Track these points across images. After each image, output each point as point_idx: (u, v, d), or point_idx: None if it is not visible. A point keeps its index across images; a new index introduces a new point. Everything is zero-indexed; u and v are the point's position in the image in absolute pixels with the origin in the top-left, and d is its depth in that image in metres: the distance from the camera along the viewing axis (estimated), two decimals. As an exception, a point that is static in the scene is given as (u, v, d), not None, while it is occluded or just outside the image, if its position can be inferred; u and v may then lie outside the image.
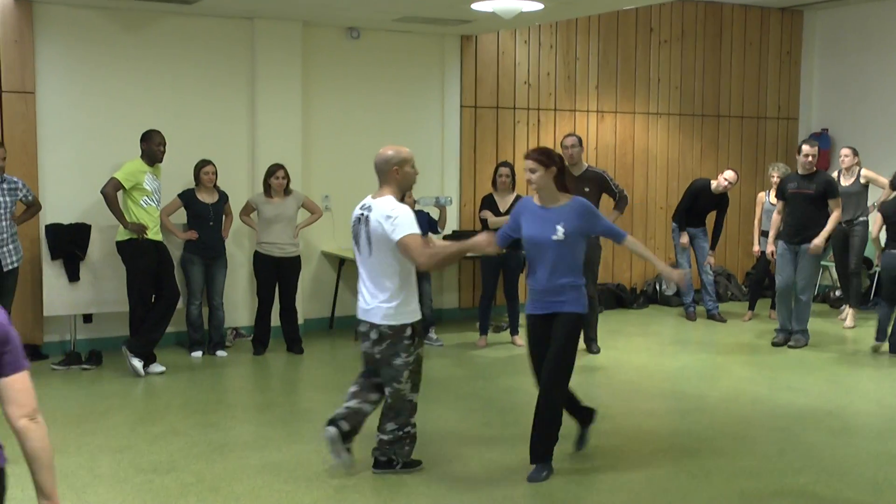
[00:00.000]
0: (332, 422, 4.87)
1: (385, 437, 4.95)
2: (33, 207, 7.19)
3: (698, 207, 9.63)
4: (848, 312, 9.30)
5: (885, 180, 9.14)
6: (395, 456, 4.97)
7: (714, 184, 9.54)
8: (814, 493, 4.79)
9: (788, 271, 8.28)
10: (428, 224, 8.16)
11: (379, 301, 4.74)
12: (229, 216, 8.02)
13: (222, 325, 8.02)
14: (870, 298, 10.61)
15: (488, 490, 4.80)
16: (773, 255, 8.60)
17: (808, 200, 8.11)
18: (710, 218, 9.76)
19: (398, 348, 4.75)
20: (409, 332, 4.76)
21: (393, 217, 4.62)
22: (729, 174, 9.50)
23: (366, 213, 4.76)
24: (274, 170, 7.91)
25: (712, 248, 9.73)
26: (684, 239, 9.65)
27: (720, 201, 9.63)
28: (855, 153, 9.25)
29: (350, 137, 9.01)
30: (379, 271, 4.74)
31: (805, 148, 8.15)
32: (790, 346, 8.28)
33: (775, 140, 11.65)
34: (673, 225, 9.84)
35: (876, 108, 11.08)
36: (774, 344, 8.41)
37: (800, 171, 8.23)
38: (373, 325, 4.78)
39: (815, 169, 8.21)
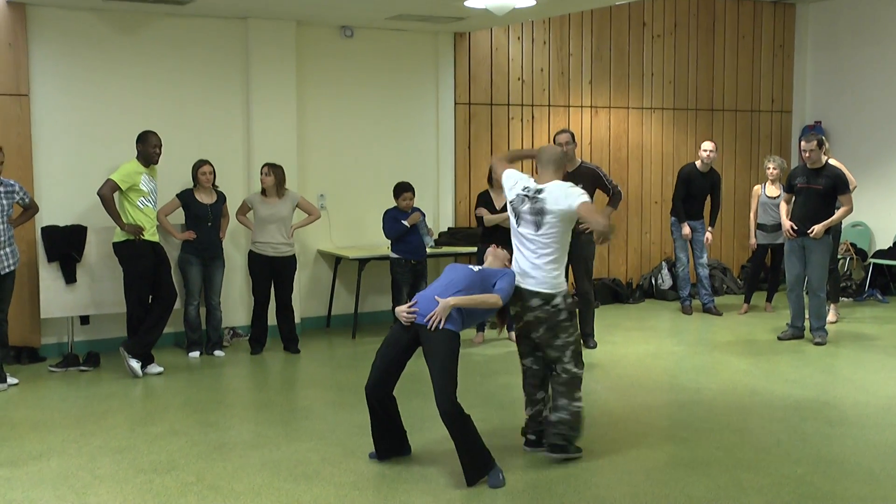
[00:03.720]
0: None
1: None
2: (30, 210, 7.19)
3: (694, 192, 9.58)
4: (830, 308, 9.07)
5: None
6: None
7: (698, 163, 9.55)
8: (811, 484, 4.81)
9: (798, 267, 8.22)
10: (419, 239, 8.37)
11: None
12: (226, 217, 8.03)
13: (220, 325, 8.03)
14: (864, 289, 10.64)
15: (486, 485, 4.82)
16: (791, 230, 8.12)
17: (818, 195, 7.99)
18: (707, 207, 9.75)
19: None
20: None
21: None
22: (706, 144, 9.51)
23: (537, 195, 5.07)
24: (261, 168, 7.96)
25: (712, 224, 9.73)
26: (686, 230, 9.57)
27: (712, 179, 9.64)
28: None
29: (345, 136, 9.03)
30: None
31: (802, 144, 8.05)
32: (816, 343, 8.13)
33: (769, 133, 11.68)
34: (672, 219, 9.77)
35: (869, 99, 11.12)
36: (781, 338, 8.38)
37: (808, 165, 8.07)
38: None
39: (823, 163, 8.02)
